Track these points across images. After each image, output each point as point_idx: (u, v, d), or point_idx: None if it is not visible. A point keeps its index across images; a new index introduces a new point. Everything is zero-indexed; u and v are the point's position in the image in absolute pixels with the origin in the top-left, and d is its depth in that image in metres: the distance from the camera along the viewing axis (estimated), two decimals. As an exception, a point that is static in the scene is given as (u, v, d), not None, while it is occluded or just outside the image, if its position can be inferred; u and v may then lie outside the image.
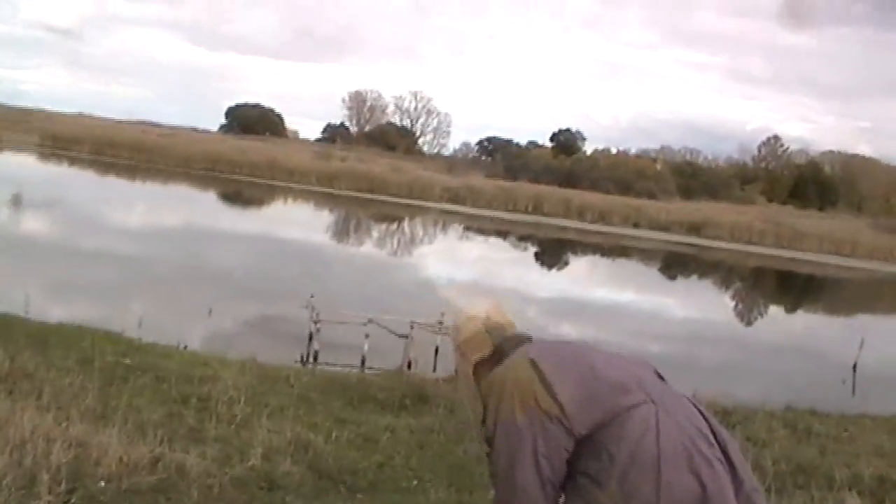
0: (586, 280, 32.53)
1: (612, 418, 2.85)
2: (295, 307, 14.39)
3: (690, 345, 19.70)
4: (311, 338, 13.80)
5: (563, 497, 2.94)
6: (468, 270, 28.21)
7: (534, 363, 2.97)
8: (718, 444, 2.90)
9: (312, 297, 14.23)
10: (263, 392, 8.26)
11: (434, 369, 13.12)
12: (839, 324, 30.08)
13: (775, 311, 32.91)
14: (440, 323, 14.40)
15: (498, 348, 3.18)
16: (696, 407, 3.00)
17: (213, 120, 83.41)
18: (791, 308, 34.07)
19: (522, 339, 3.22)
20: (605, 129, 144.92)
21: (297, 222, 38.05)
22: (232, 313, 14.37)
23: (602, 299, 26.11)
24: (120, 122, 70.58)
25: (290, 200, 49.12)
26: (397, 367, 11.68)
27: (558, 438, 2.87)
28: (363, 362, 13.08)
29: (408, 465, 6.61)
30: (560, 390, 2.89)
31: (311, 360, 13.17)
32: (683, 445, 2.82)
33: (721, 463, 2.85)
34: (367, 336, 13.56)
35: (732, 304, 33.01)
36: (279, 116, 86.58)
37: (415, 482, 6.25)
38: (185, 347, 11.10)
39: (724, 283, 39.26)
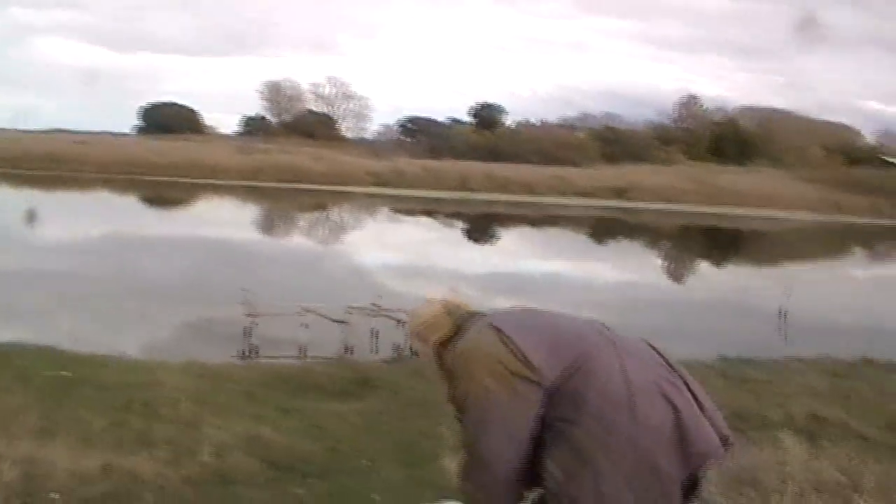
0: (518, 253, 32.76)
1: (580, 365, 2.97)
2: (229, 305, 14.33)
3: (624, 308, 19.98)
4: (248, 332, 13.77)
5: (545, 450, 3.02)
6: (399, 253, 28.27)
7: (496, 329, 3.08)
8: (679, 375, 3.08)
9: (245, 291, 14.19)
10: (207, 391, 8.29)
11: (374, 352, 13.23)
12: (765, 274, 30.78)
13: (703, 266, 33.54)
14: (376, 306, 14.50)
15: (457, 327, 3.27)
16: (652, 348, 3.18)
17: (128, 123, 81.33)
18: (718, 262, 34.75)
19: (480, 315, 3.30)
20: (525, 102, 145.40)
21: (223, 220, 37.61)
22: (166, 318, 14.23)
23: (535, 271, 26.34)
24: (33, 132, 68.68)
25: (214, 198, 48.50)
26: (337, 353, 11.73)
27: (529, 396, 2.97)
28: (303, 352, 13.10)
29: (357, 447, 6.72)
30: (525, 348, 2.98)
31: (251, 354, 13.14)
32: (650, 378, 2.98)
33: (684, 388, 3.03)
34: (304, 326, 13.58)
35: (662, 263, 33.55)
36: (196, 114, 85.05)
37: (365, 462, 6.36)
38: (123, 354, 11.03)
39: (652, 244, 39.83)
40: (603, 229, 44.19)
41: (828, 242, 45.43)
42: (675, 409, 2.94)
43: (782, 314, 17.67)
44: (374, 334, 14.27)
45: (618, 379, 2.95)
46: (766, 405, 8.48)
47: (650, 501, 2.91)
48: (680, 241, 42.27)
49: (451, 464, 5.87)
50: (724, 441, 3.05)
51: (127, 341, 11.84)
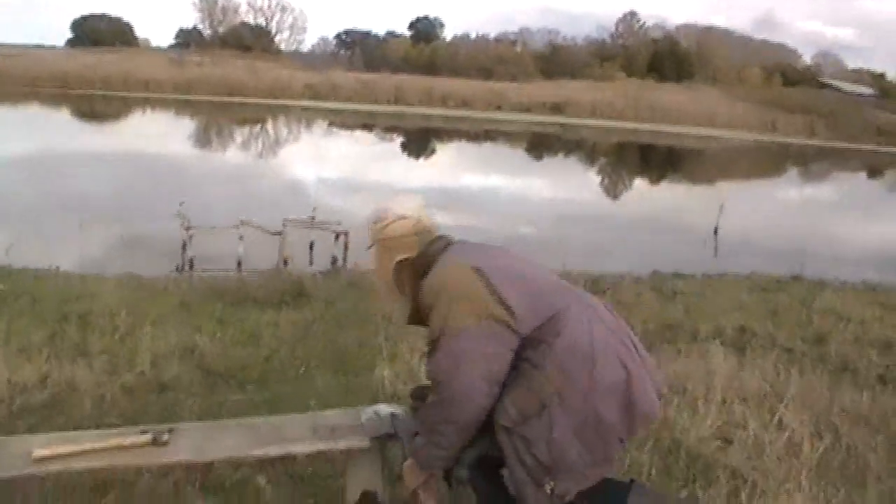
0: (455, 168, 32.79)
1: (552, 316, 3.11)
2: (165, 219, 14.24)
3: (560, 223, 20.25)
4: (184, 246, 13.73)
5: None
6: (335, 167, 28.15)
7: (477, 270, 3.16)
8: (632, 340, 3.26)
9: (182, 204, 14.10)
10: (143, 303, 8.33)
11: (311, 264, 13.31)
12: (700, 192, 31.24)
13: (639, 184, 33.93)
14: (312, 219, 14.54)
15: (424, 252, 3.39)
16: (611, 313, 3.34)
17: (59, 36, 78.84)
18: (654, 180, 35.15)
19: (446, 243, 3.41)
20: (463, 15, 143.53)
21: (157, 134, 36.92)
22: (102, 233, 14.08)
23: (472, 186, 26.44)
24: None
25: (147, 112, 47.55)
26: (274, 266, 11.78)
27: (506, 341, 3.10)
28: (239, 265, 13.12)
29: (293, 355, 6.82)
30: (508, 296, 3.11)
31: (187, 268, 13.14)
32: (610, 340, 3.13)
33: (634, 351, 3.19)
34: (240, 238, 13.59)
35: (598, 180, 33.86)
36: (129, 26, 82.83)
37: (301, 370, 6.48)
38: (59, 269, 10.97)
39: (589, 161, 40.11)
40: (540, 145, 44.35)
41: (763, 162, 46.09)
42: (627, 372, 3.09)
43: (715, 232, 18.05)
44: (311, 246, 14.37)
45: (585, 337, 3.09)
46: (696, 318, 8.74)
47: (593, 451, 3.08)
48: (616, 158, 42.59)
49: (385, 372, 6.06)
50: (659, 398, 3.27)
51: (62, 256, 11.72)
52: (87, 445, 3.23)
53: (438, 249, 3.38)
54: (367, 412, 3.83)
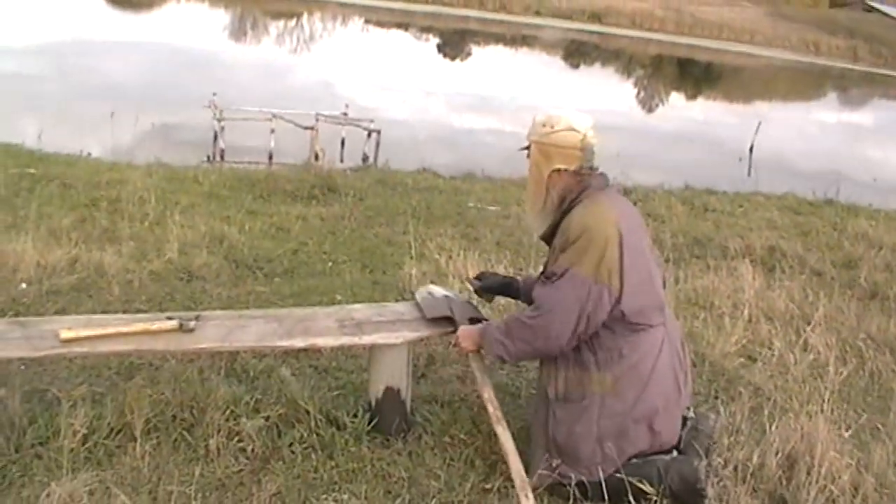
0: (490, 71, 32.33)
1: (639, 329, 3.27)
2: (197, 110, 14.17)
3: (593, 133, 19.97)
4: (216, 137, 13.69)
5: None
6: (369, 65, 27.80)
7: (621, 239, 3.22)
8: (685, 365, 3.49)
9: (215, 95, 14.02)
10: (173, 191, 8.33)
11: (341, 160, 13.24)
12: (737, 110, 30.67)
13: (675, 98, 33.33)
14: (344, 115, 14.43)
15: (582, 172, 3.42)
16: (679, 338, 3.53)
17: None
18: (691, 95, 34.52)
19: (604, 182, 3.45)
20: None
21: (191, 24, 36.51)
22: (134, 121, 14.00)
23: (506, 90, 26.07)
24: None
25: (181, 1, 46.90)
26: (304, 160, 11.72)
27: (605, 311, 3.21)
28: (270, 157, 13.08)
29: (321, 250, 6.82)
30: (628, 280, 3.22)
31: (217, 158, 13.12)
32: (668, 372, 3.34)
33: (682, 382, 3.43)
34: (272, 131, 13.52)
35: (634, 91, 33.32)
36: None
37: (329, 265, 6.49)
38: (90, 155, 10.97)
39: (626, 71, 39.39)
40: (577, 53, 43.54)
41: (802, 83, 45.10)
42: (665, 407, 3.32)
43: (750, 150, 17.74)
44: (342, 143, 14.28)
45: (651, 360, 3.28)
46: (726, 235, 8.61)
47: (605, 456, 3.28)
48: (654, 70, 41.80)
49: (413, 270, 6.04)
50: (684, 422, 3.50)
51: (93, 143, 11.72)
52: (114, 329, 3.24)
53: (597, 185, 3.40)
54: (422, 292, 3.91)
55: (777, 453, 3.65)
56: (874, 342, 5.63)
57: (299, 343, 3.38)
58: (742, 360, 5.04)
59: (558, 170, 3.40)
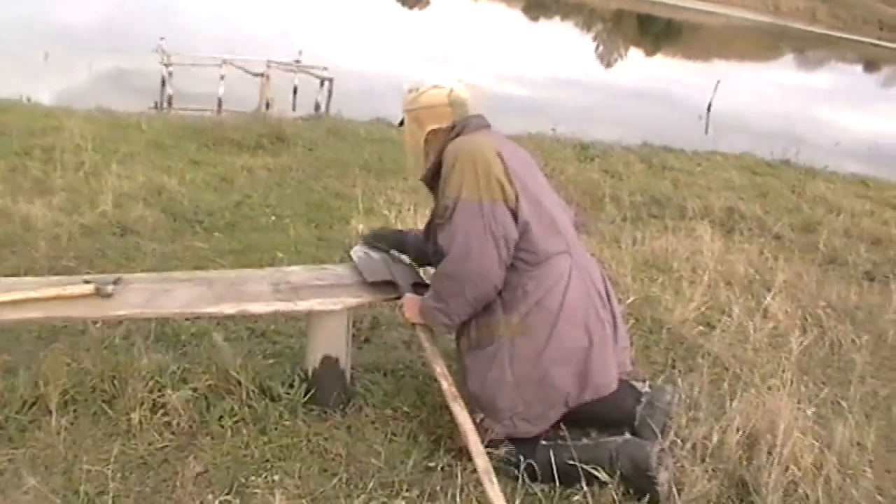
0: (447, 22, 31.90)
1: (540, 260, 3.07)
2: (145, 55, 13.69)
3: (551, 87, 19.80)
4: (163, 83, 13.26)
5: None
6: (324, 12, 27.21)
7: (501, 156, 3.08)
8: (610, 306, 3.26)
9: (163, 39, 13.54)
10: (113, 139, 7.96)
11: (293, 109, 12.87)
12: (695, 68, 30.63)
13: (635, 54, 33.21)
14: (297, 62, 14.05)
15: (456, 124, 3.27)
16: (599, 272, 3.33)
17: None
18: (650, 52, 34.42)
19: (481, 123, 3.30)
20: None
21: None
22: (77, 66, 13.50)
23: (465, 41, 25.71)
24: None
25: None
26: (254, 109, 11.35)
27: (512, 224, 3.04)
28: (220, 105, 12.69)
29: (265, 202, 6.52)
30: (522, 192, 3.05)
31: (165, 105, 12.70)
32: (584, 303, 3.11)
33: (609, 325, 3.21)
34: (222, 78, 13.12)
35: (593, 46, 33.12)
36: None
37: (273, 219, 6.18)
38: (29, 100, 10.50)
39: (586, 26, 39.15)
40: (537, 5, 43.18)
41: (760, 44, 45.21)
42: (590, 340, 3.08)
43: (708, 108, 17.65)
44: (294, 90, 13.91)
45: (558, 292, 3.06)
46: (685, 195, 8.48)
47: (528, 407, 3.08)
48: (614, 25, 41.62)
49: (360, 226, 5.78)
50: (622, 375, 3.28)
51: (35, 88, 11.24)
52: (22, 294, 2.94)
53: (473, 126, 3.27)
54: (358, 252, 3.71)
55: (738, 431, 3.46)
56: (834, 310, 5.51)
57: (229, 309, 3.09)
58: (701, 327, 4.86)
59: (433, 130, 3.29)
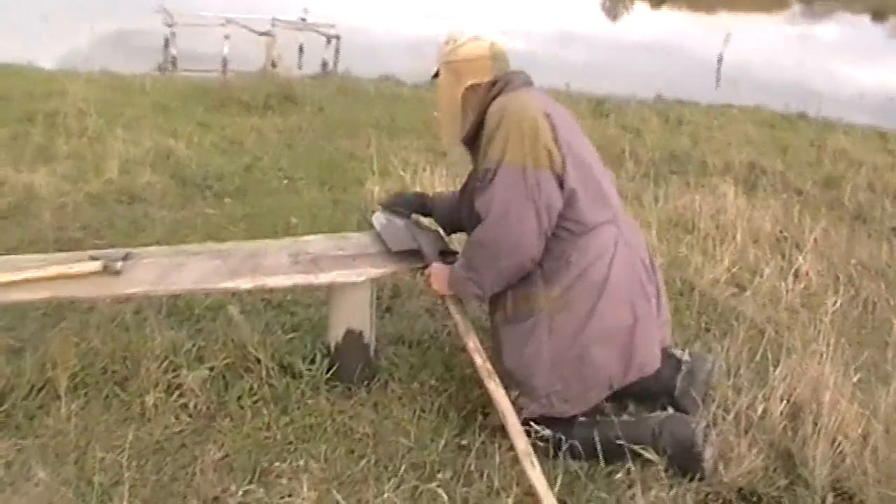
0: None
1: (586, 229, 2.86)
2: (147, 15, 13.36)
3: (559, 42, 19.45)
4: (167, 44, 12.98)
5: None
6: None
7: (549, 117, 2.85)
8: (655, 278, 3.06)
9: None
10: (117, 103, 7.74)
11: (299, 68, 12.58)
12: (701, 20, 30.19)
13: (640, 7, 32.74)
14: (303, 20, 13.76)
15: (498, 79, 3.03)
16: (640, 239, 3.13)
17: None
18: (655, 3, 33.92)
19: (525, 80, 3.07)
20: None
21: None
22: (77, 28, 13.17)
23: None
24: None
25: None
26: (261, 68, 11.09)
27: (557, 193, 2.82)
28: (225, 65, 12.40)
29: (277, 165, 6.33)
30: (569, 159, 2.83)
31: (169, 67, 12.44)
32: (629, 276, 2.91)
33: (655, 298, 3.01)
34: (226, 38, 12.81)
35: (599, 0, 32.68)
36: None
37: (285, 182, 5.99)
38: (31, 65, 10.24)
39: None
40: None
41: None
42: (634, 319, 2.89)
43: (719, 61, 17.32)
44: (300, 49, 13.62)
45: (603, 265, 2.86)
46: (704, 150, 8.23)
47: (567, 386, 2.87)
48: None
49: (376, 188, 5.59)
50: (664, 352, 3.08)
51: (37, 52, 10.97)
52: (27, 274, 2.76)
53: (517, 82, 3.02)
54: (379, 218, 3.49)
55: (781, 400, 3.29)
56: (866, 269, 5.30)
57: (245, 284, 2.91)
58: (732, 289, 4.67)
59: (472, 86, 3.04)
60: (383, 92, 10.00)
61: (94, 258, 2.88)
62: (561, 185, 2.82)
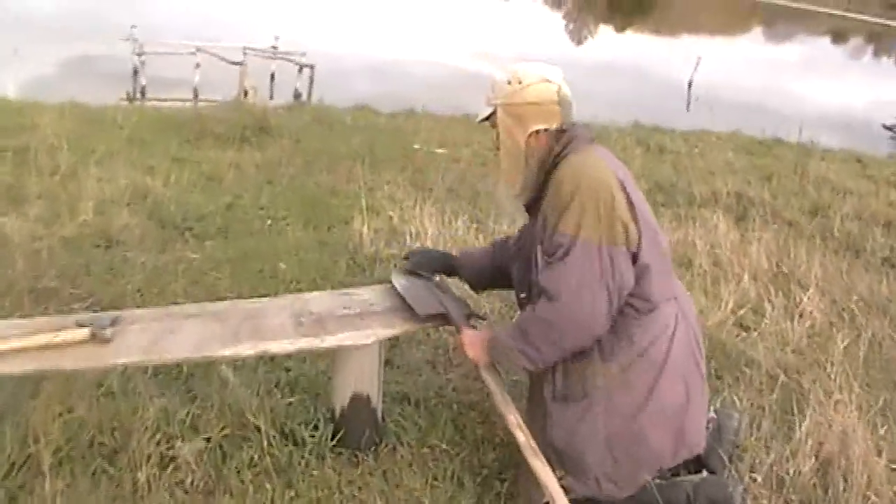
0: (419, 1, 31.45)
1: (651, 306, 2.68)
2: (115, 42, 13.12)
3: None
4: (136, 73, 12.74)
5: None
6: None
7: (624, 188, 2.65)
8: (702, 355, 2.88)
9: (134, 28, 13.00)
10: (89, 137, 7.48)
11: (271, 97, 12.40)
12: (667, 44, 30.45)
13: (605, 30, 32.96)
14: (274, 48, 13.58)
15: (565, 128, 2.81)
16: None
17: None
18: (621, 27, 34.19)
19: (588, 135, 2.84)
20: None
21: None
22: (44, 54, 12.91)
23: (434, 21, 25.27)
24: None
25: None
26: (233, 97, 10.87)
27: (631, 272, 2.64)
28: (196, 94, 12.18)
29: (258, 204, 6.08)
30: (644, 232, 2.65)
31: (138, 96, 12.19)
32: (685, 354, 2.75)
33: (704, 375, 2.86)
34: (197, 66, 12.61)
35: (563, 24, 32.85)
36: None
37: (268, 222, 5.76)
38: (-2, 95, 9.94)
39: (556, 3, 38.88)
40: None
41: (728, 16, 45.16)
42: (687, 396, 2.73)
43: (689, 85, 17.39)
44: (272, 77, 13.43)
45: (663, 344, 2.69)
46: (690, 179, 8.11)
47: (619, 468, 2.69)
48: (584, 1, 41.36)
49: (364, 228, 5.38)
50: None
51: (1, 80, 10.68)
52: (7, 346, 2.51)
53: (583, 138, 2.79)
54: (399, 279, 3.22)
55: (811, 457, 3.13)
56: (866, 305, 5.18)
57: (247, 350, 2.68)
58: (738, 330, 4.52)
59: (536, 132, 2.79)
60: (359, 122, 9.86)
61: (80, 324, 2.63)
62: (634, 261, 2.63)
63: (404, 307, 3.02)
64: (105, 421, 2.88)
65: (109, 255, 4.81)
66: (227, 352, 2.68)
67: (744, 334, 4.50)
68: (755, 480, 3.01)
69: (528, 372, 2.83)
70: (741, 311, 4.66)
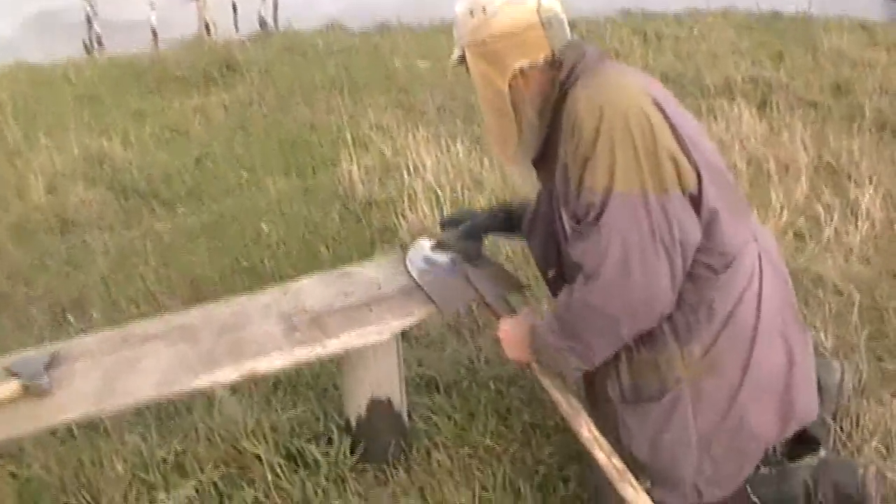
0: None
1: (728, 261, 1.99)
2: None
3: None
4: (88, 20, 11.86)
5: None
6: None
7: (661, 107, 1.92)
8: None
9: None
10: (38, 100, 6.76)
11: (236, 29, 11.57)
12: None
13: None
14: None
15: (560, 55, 2.05)
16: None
17: None
18: None
19: (597, 50, 2.09)
20: None
21: None
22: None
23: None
24: None
25: None
26: (194, 34, 10.07)
27: (694, 219, 1.94)
28: (154, 35, 11.33)
29: (231, 154, 5.43)
30: (703, 169, 1.92)
31: (95, 45, 11.36)
32: (780, 304, 2.07)
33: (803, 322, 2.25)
34: (151, 5, 11.74)
35: None
36: None
37: (245, 176, 5.10)
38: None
39: None
40: None
41: None
42: (790, 361, 2.07)
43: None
44: (234, 8, 12.57)
45: (750, 299, 2.01)
46: (697, 66, 7.44)
47: (719, 468, 2.07)
48: None
49: (353, 167, 4.76)
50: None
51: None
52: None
53: (592, 57, 2.04)
54: (415, 261, 2.52)
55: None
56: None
57: (228, 375, 2.06)
58: (792, 239, 3.94)
59: (521, 71, 2.04)
60: (333, 45, 9.07)
61: (9, 371, 2.02)
62: (697, 206, 1.94)
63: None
64: (68, 479, 2.29)
65: (66, 242, 4.20)
66: (203, 381, 2.07)
67: (800, 243, 3.92)
68: (881, 453, 2.43)
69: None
70: (800, 219, 4.07)
